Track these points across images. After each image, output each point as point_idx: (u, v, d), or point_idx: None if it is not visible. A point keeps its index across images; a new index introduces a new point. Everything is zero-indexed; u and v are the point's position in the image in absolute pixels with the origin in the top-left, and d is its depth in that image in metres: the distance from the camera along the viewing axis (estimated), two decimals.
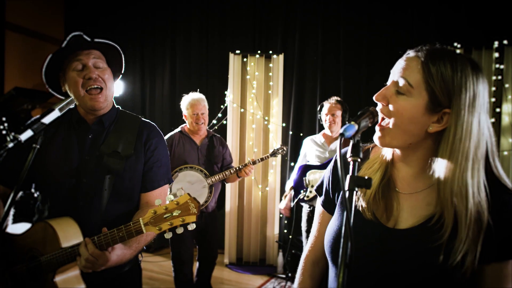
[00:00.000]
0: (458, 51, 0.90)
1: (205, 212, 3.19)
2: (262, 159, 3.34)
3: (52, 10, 5.69)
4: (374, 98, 0.92)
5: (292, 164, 4.91)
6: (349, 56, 4.80)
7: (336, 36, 4.86)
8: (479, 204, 0.83)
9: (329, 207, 1.10)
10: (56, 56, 1.48)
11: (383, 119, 0.91)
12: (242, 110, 4.81)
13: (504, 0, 4.09)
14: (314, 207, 3.25)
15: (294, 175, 3.48)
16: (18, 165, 1.42)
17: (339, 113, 3.30)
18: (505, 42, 4.11)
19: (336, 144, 3.33)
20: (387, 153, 0.99)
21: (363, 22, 4.74)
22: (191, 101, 3.16)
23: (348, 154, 0.78)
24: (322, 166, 3.29)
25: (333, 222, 1.01)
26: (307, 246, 1.16)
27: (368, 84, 4.71)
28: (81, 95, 1.47)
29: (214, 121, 4.90)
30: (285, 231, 4.88)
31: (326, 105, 3.32)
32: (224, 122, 4.89)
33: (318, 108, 3.43)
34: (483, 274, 0.85)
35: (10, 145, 1.10)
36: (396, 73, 0.91)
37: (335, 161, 1.09)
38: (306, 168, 3.36)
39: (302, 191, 3.31)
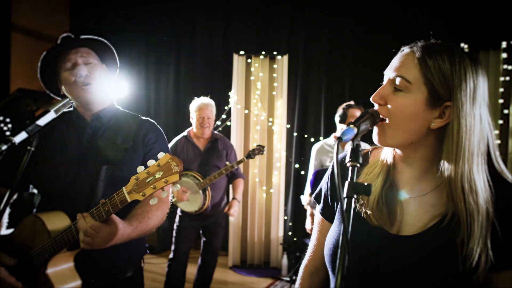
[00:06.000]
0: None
1: (207, 214, 3.24)
2: (239, 162, 3.30)
3: (57, 12, 5.71)
4: (371, 99, 0.90)
5: (297, 166, 4.87)
6: (355, 56, 4.74)
7: (341, 36, 4.81)
8: (487, 199, 0.81)
9: (328, 215, 1.05)
10: (47, 59, 1.50)
11: (382, 119, 0.88)
12: (246, 111, 4.78)
13: None
14: None
15: (308, 186, 3.46)
16: (13, 167, 1.41)
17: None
18: None
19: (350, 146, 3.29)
20: (388, 155, 0.95)
21: (369, 23, 4.69)
22: (200, 105, 3.31)
23: (347, 159, 0.74)
24: None
25: (333, 230, 0.98)
26: (306, 255, 1.11)
27: (375, 84, 4.62)
28: (74, 92, 1.49)
29: (218, 123, 4.87)
30: (290, 233, 4.84)
31: (350, 109, 3.20)
32: (228, 123, 4.87)
33: (340, 114, 3.29)
34: (494, 284, 0.81)
35: (4, 147, 1.08)
36: (391, 71, 0.89)
37: (333, 166, 1.05)
38: (319, 173, 3.31)
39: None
